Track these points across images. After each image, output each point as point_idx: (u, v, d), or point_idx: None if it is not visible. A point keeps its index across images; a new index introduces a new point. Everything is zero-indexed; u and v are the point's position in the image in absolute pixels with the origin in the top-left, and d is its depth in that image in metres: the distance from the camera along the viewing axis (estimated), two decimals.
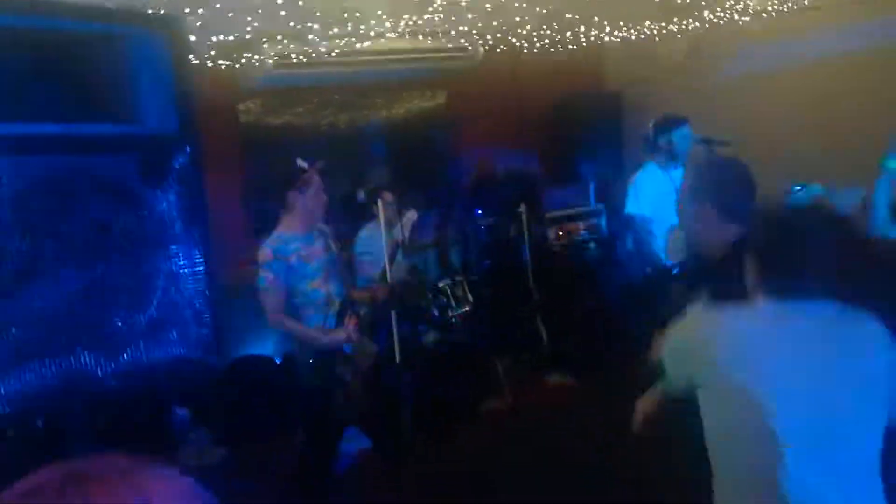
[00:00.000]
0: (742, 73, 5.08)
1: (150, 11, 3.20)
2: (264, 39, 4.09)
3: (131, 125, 3.51)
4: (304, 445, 3.46)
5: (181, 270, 3.90)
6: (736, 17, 4.81)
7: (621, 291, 5.26)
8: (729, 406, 1.57)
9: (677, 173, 3.94)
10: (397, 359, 3.33)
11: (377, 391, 3.36)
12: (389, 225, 4.85)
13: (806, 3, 4.49)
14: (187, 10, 3.29)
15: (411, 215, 4.30)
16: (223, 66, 4.39)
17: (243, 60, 4.37)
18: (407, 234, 4.21)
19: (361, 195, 3.44)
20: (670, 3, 4.27)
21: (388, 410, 3.31)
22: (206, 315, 4.07)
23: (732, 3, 4.56)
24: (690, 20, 4.97)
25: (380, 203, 4.74)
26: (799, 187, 3.69)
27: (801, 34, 4.69)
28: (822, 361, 1.51)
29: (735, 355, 1.55)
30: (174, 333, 3.86)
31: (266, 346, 4.92)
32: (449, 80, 5.70)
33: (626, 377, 4.58)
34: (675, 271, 3.99)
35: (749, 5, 4.62)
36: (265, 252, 3.17)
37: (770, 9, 4.62)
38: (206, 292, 4.07)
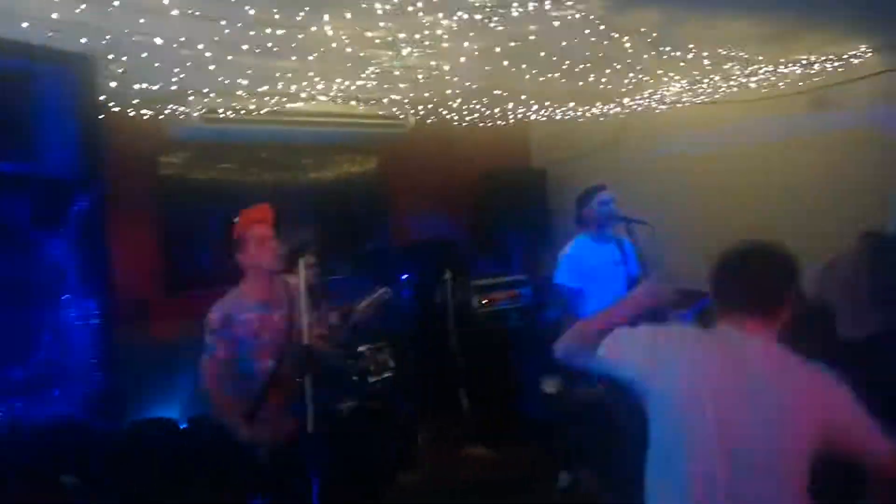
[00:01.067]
0: (660, 156, 5.37)
1: (67, 51, 3.08)
2: (191, 92, 4.02)
3: (28, 164, 3.31)
4: None
5: (73, 323, 3.63)
6: (653, 104, 5.10)
7: (544, 362, 5.29)
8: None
9: (610, 245, 4.01)
10: (310, 427, 3.17)
11: (287, 461, 3.17)
12: (308, 287, 4.74)
13: (716, 97, 4.80)
14: (111, 56, 3.20)
15: (384, 293, 4.12)
16: (146, 116, 4.27)
17: (168, 111, 4.27)
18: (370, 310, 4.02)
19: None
20: (593, 89, 4.47)
21: (298, 481, 3.12)
22: (98, 373, 3.78)
23: (651, 92, 4.83)
24: (612, 105, 5.23)
25: (301, 263, 4.63)
26: None
27: (710, 125, 5.03)
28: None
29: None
30: (57, 392, 3.55)
31: (167, 408, 4.65)
32: (380, 147, 5.75)
33: (547, 450, 4.54)
34: None
35: (665, 95, 4.91)
36: (214, 317, 2.91)
37: (683, 100, 4.93)
38: (101, 348, 3.80)
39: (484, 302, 5.64)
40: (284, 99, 4.42)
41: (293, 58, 3.44)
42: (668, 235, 4.44)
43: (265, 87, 4.02)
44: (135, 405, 4.64)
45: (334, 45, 3.23)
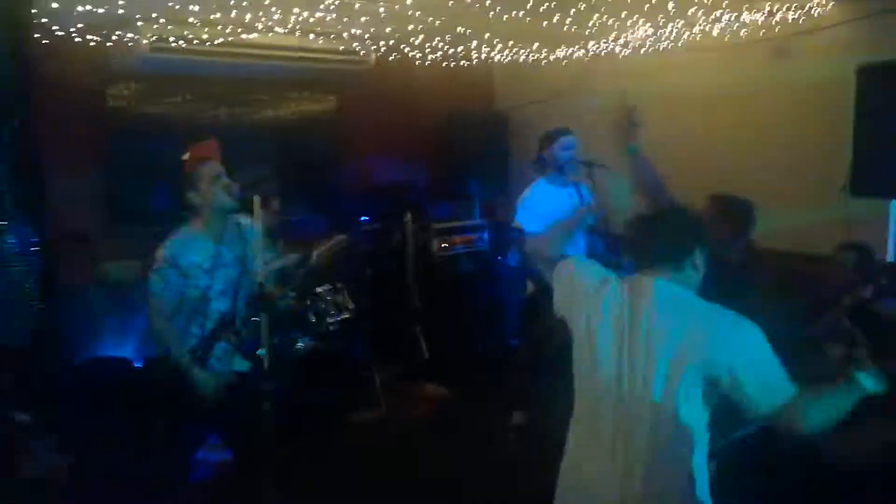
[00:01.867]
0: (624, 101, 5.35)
1: None
2: (139, 17, 3.82)
3: None
4: (160, 453, 3.20)
5: (11, 250, 3.49)
6: (618, 50, 5.06)
7: (502, 305, 5.35)
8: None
9: (567, 190, 4.02)
10: (265, 366, 3.15)
11: (242, 399, 3.15)
12: (265, 228, 4.65)
13: (679, 44, 4.78)
14: None
15: (341, 240, 4.01)
16: (92, 43, 4.05)
17: (115, 39, 4.05)
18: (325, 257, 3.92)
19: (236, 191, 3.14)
20: (558, 31, 4.40)
21: (252, 420, 3.11)
22: (40, 307, 3.66)
23: (615, 36, 4.78)
24: (576, 48, 5.17)
25: (256, 202, 4.53)
26: None
27: (673, 72, 5.01)
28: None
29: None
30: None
31: (120, 347, 4.58)
32: (339, 84, 5.60)
33: (503, 389, 4.63)
34: None
35: (629, 41, 4.87)
36: (160, 253, 2.83)
37: (647, 46, 4.89)
38: (43, 281, 3.67)
39: (443, 245, 5.65)
40: (239, 29, 4.23)
41: None
42: (628, 181, 4.49)
43: (218, 16, 3.83)
44: (83, 343, 4.57)
45: None
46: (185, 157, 2.95)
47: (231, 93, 5.36)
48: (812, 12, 4.20)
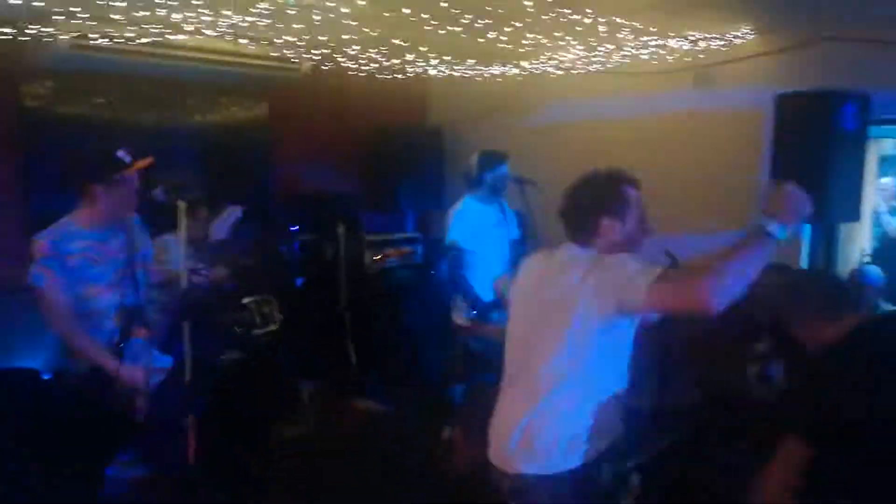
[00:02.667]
0: (553, 122, 5.47)
1: None
2: (58, 10, 3.63)
3: None
4: (71, 469, 3.02)
5: None
6: (550, 69, 5.17)
7: (432, 319, 5.33)
8: None
9: (493, 208, 4.14)
10: (187, 377, 3.03)
11: (161, 412, 3.02)
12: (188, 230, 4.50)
13: (608, 66, 4.93)
14: None
15: (235, 210, 3.86)
16: (4, 36, 3.83)
17: (31, 33, 3.84)
18: (225, 229, 3.77)
19: (160, 194, 3.04)
20: (493, 48, 4.46)
21: (171, 434, 2.99)
22: None
23: (548, 56, 4.88)
24: (510, 66, 5.25)
25: (180, 205, 4.38)
26: None
27: (601, 94, 5.17)
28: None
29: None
30: None
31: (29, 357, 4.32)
32: (271, 91, 5.49)
33: (432, 404, 4.60)
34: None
35: (562, 61, 4.98)
36: (41, 245, 2.72)
37: (578, 67, 5.02)
38: None
39: (376, 258, 5.60)
40: (168, 30, 4.09)
41: None
42: (555, 199, 4.58)
43: (144, 14, 3.68)
44: None
45: None
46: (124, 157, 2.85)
47: (159, 95, 5.18)
48: (733, 42, 4.41)
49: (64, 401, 3.45)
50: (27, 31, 3.80)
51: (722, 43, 4.42)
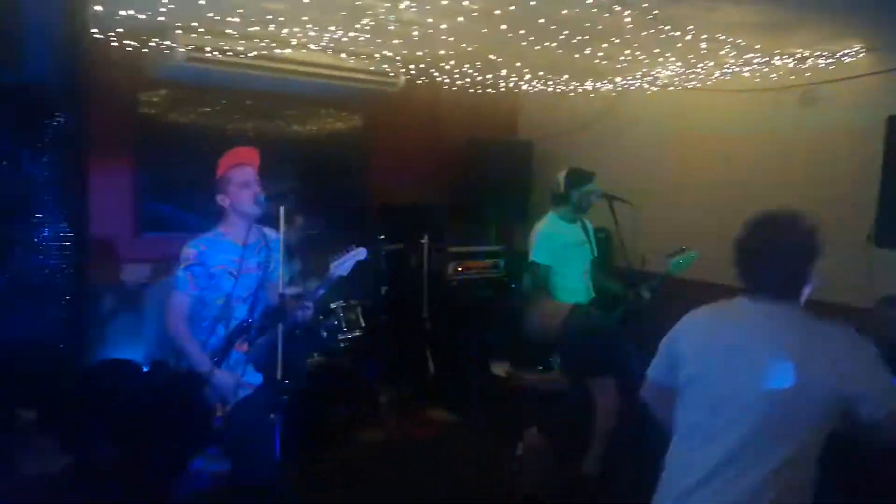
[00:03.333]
0: (644, 139, 5.38)
1: None
2: (179, 25, 3.88)
3: (9, 73, 3.15)
4: (156, 460, 3.18)
5: (45, 244, 3.51)
6: (645, 85, 5.09)
7: (513, 333, 5.32)
8: None
9: (576, 226, 4.12)
10: (277, 379, 3.12)
11: (248, 411, 3.11)
12: (289, 242, 4.67)
13: (708, 84, 4.80)
14: None
15: (358, 252, 4.00)
16: (129, 48, 4.13)
17: (152, 45, 4.13)
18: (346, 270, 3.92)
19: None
20: (588, 63, 4.43)
21: (257, 433, 3.07)
22: (69, 299, 3.67)
23: (644, 72, 4.81)
24: (605, 82, 5.21)
25: (282, 213, 4.55)
26: (675, 255, 3.92)
27: (699, 112, 5.03)
28: None
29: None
30: (24, 313, 3.45)
31: (133, 350, 4.59)
32: (367, 104, 5.66)
33: (507, 417, 4.58)
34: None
35: (658, 77, 4.90)
36: (191, 252, 2.83)
37: (675, 84, 4.92)
38: (73, 274, 3.69)
39: (458, 269, 5.65)
40: (274, 44, 4.30)
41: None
42: (646, 218, 4.50)
43: (255, 29, 3.89)
44: (100, 344, 4.60)
45: None
46: (223, 160, 2.98)
47: (262, 106, 5.44)
48: (843, 60, 4.21)
49: (158, 393, 3.65)
50: (149, 43, 4.09)
51: (830, 61, 4.22)
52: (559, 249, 4.02)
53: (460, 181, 6.11)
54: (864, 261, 3.90)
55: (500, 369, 5.26)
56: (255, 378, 2.95)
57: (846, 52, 4.15)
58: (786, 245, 1.87)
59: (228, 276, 2.86)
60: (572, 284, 4.09)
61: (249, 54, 4.33)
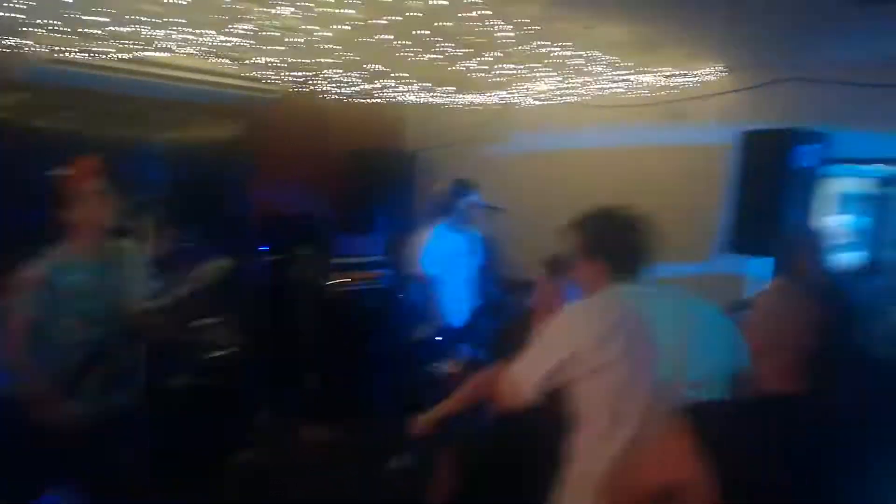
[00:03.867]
0: (525, 151, 5.57)
1: None
2: (38, 23, 3.59)
3: None
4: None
5: None
6: (527, 99, 5.26)
7: (397, 346, 5.30)
8: None
9: (463, 235, 4.20)
10: (139, 403, 2.92)
11: (106, 438, 2.86)
12: (155, 254, 4.42)
13: (584, 98, 5.04)
14: None
15: (221, 264, 3.80)
16: None
17: (7, 45, 3.79)
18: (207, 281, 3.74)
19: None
20: (471, 76, 4.52)
21: (116, 462, 2.85)
22: None
23: (525, 87, 4.97)
24: (488, 95, 5.33)
25: (147, 225, 4.31)
26: None
27: (577, 125, 5.27)
28: None
29: None
30: None
31: None
32: (247, 112, 5.48)
33: (391, 433, 4.55)
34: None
35: (539, 92, 5.08)
36: (34, 275, 2.62)
37: (555, 98, 5.13)
38: None
39: (342, 280, 5.56)
40: (147, 46, 4.07)
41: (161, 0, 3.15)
42: (523, 226, 4.64)
43: (125, 30, 3.65)
44: None
45: None
46: (66, 172, 2.77)
47: (134, 111, 5.13)
48: (704, 79, 4.55)
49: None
50: (4, 42, 3.75)
51: (694, 80, 4.55)
52: (444, 259, 4.07)
53: (345, 191, 6.04)
54: (712, 267, 4.22)
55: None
56: (118, 398, 2.76)
57: (707, 71, 4.49)
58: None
59: (80, 298, 2.65)
60: (458, 294, 4.14)
61: (119, 56, 4.08)
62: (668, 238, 4.44)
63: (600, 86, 4.66)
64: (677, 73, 4.42)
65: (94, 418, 2.68)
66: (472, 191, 4.18)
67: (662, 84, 4.59)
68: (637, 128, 4.94)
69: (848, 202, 5.55)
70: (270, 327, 5.27)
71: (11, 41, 3.78)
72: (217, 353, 4.48)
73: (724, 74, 4.49)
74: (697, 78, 4.50)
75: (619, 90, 4.74)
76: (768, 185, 3.97)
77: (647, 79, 4.51)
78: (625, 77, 4.45)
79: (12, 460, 2.79)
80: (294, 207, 5.70)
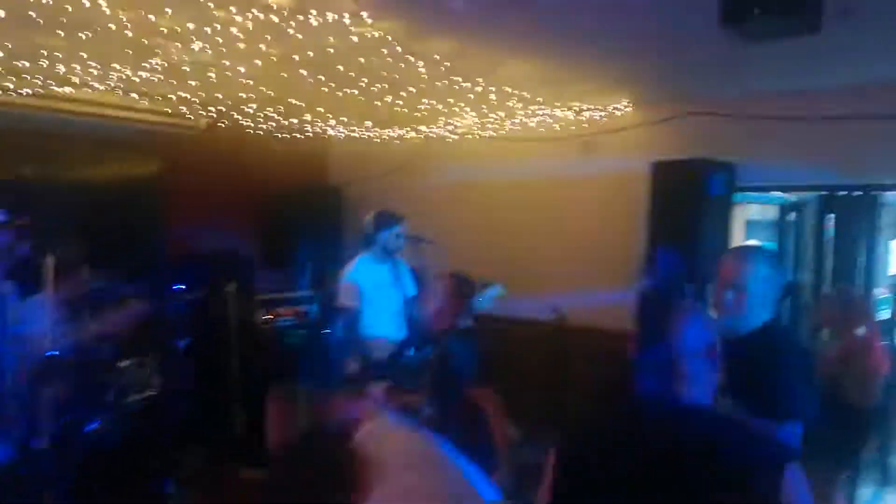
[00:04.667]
0: (449, 183, 5.65)
1: None
2: None
3: None
4: None
5: None
6: (447, 134, 5.35)
7: (325, 380, 5.20)
8: None
9: (387, 266, 4.17)
10: (44, 446, 2.77)
11: (24, 481, 2.73)
12: (68, 296, 4.23)
13: (501, 133, 5.17)
14: None
15: (135, 305, 3.68)
16: None
17: None
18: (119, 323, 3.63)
19: (26, 249, 2.82)
20: (390, 111, 4.58)
21: None
22: None
23: (445, 121, 5.06)
24: (408, 130, 5.40)
25: (48, 263, 4.12)
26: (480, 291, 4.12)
27: (496, 159, 5.40)
28: None
29: None
30: None
31: None
32: (165, 147, 5.35)
33: (323, 469, 4.44)
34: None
35: (457, 126, 5.18)
36: None
37: (473, 133, 5.24)
38: None
39: (268, 317, 5.46)
40: (51, 82, 3.95)
41: (60, 33, 3.07)
42: (455, 257, 4.68)
43: (25, 63, 3.54)
44: None
45: (112, 26, 2.96)
46: None
47: (42, 147, 4.93)
48: (612, 114, 4.74)
49: None
50: None
51: (603, 114, 4.74)
52: (368, 291, 4.03)
53: (269, 227, 5.96)
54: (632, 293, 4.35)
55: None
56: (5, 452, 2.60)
57: (616, 106, 4.68)
58: None
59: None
60: (383, 325, 4.11)
61: (21, 91, 3.94)
62: (590, 266, 4.66)
63: (516, 120, 4.79)
64: (586, 107, 4.59)
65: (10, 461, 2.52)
66: (396, 222, 4.16)
67: (574, 118, 4.76)
68: (553, 160, 5.09)
69: (754, 228, 5.87)
70: (195, 367, 5.09)
71: None
72: (136, 396, 4.29)
73: (629, 109, 4.69)
74: (605, 112, 4.69)
75: (532, 125, 4.89)
76: (681, 214, 4.13)
77: (559, 113, 4.66)
78: (539, 112, 4.59)
79: None
80: (216, 244, 5.58)
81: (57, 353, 3.61)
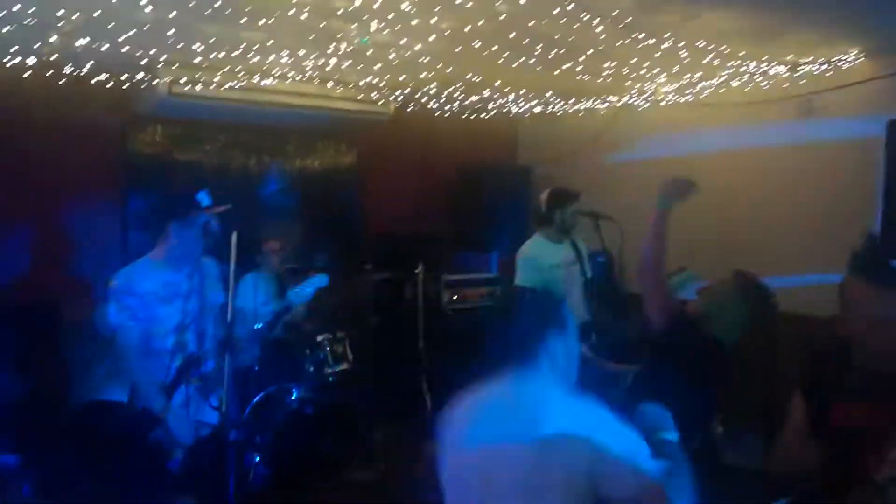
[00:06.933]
0: (644, 157, 5.22)
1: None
2: (161, 60, 3.86)
3: None
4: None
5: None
6: (639, 103, 4.95)
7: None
8: None
9: (564, 245, 3.96)
10: (240, 416, 2.97)
11: (207, 453, 2.90)
12: (274, 275, 4.58)
13: (700, 97, 4.65)
14: (60, 13, 3.04)
15: (318, 279, 3.92)
16: (109, 85, 4.14)
17: (131, 80, 4.13)
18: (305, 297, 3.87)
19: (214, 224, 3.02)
20: (573, 80, 4.32)
21: (218, 477, 2.88)
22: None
23: (637, 90, 4.68)
24: (597, 101, 5.09)
25: (266, 250, 4.47)
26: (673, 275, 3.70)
27: (695, 127, 4.87)
28: None
29: None
30: None
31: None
32: (358, 133, 5.60)
33: None
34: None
35: (649, 95, 4.77)
36: (115, 282, 2.76)
37: (668, 100, 4.78)
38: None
39: (455, 298, 5.48)
40: (256, 75, 4.27)
41: (260, 23, 3.24)
42: (637, 238, 4.31)
43: (232, 54, 3.80)
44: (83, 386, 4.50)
45: (292, 11, 3.07)
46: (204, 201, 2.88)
47: (249, 139, 5.41)
48: (841, 67, 4.03)
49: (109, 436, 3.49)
50: (128, 79, 4.08)
51: (827, 67, 4.04)
52: (545, 271, 3.86)
53: (458, 209, 5.99)
54: None
55: None
56: (213, 416, 2.80)
57: (843, 56, 3.97)
58: None
59: (159, 302, 2.75)
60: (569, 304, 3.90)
61: (230, 86, 4.29)
62: (814, 245, 4.01)
63: (714, 81, 4.27)
64: (804, 61, 3.94)
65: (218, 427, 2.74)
66: (572, 199, 3.95)
67: (787, 75, 4.11)
68: (764, 126, 4.48)
69: None
70: (387, 345, 5.29)
71: (137, 76, 4.11)
72: (331, 369, 4.53)
73: (860, 60, 3.95)
74: (829, 65, 3.99)
75: (735, 86, 4.32)
76: None
77: (770, 70, 4.05)
78: (743, 70, 4.03)
79: (119, 475, 2.91)
80: (408, 226, 5.73)
81: (262, 325, 3.91)
